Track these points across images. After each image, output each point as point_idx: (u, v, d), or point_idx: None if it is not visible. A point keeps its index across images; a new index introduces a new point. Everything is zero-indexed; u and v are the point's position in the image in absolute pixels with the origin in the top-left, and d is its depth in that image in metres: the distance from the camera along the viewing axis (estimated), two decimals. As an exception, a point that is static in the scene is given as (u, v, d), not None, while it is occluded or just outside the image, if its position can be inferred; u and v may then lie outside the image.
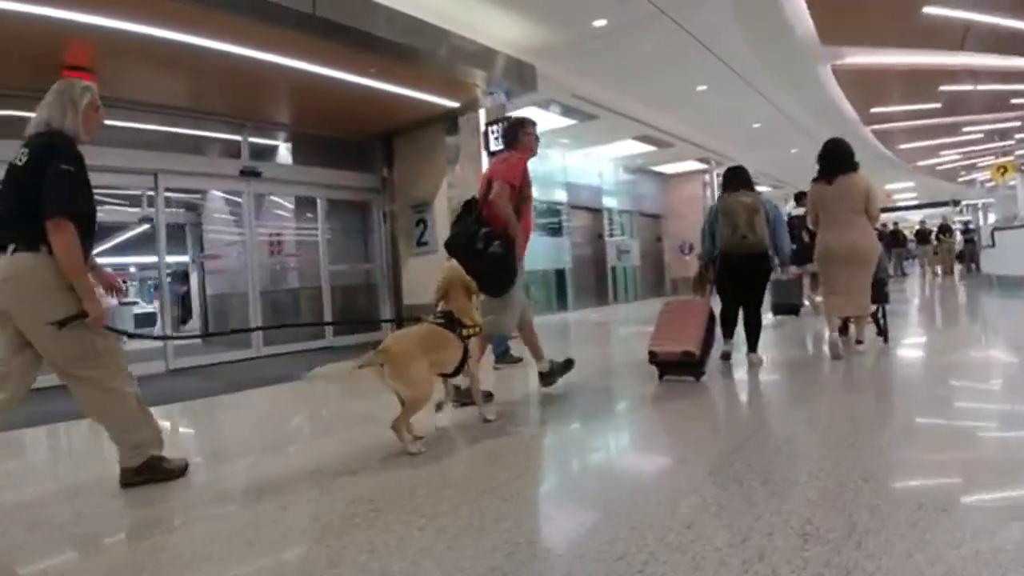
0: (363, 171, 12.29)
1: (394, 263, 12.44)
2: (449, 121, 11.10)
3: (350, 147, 12.16)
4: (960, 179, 30.79)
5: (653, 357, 5.47)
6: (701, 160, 19.89)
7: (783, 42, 10.95)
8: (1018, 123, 18.86)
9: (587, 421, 4.68)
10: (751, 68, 11.91)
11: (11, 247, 3.16)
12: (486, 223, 4.93)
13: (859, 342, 6.64)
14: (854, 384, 5.44)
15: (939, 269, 22.63)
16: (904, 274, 23.41)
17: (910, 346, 7.44)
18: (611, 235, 19.59)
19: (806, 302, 11.13)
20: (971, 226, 23.57)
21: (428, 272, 11.55)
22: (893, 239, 23.24)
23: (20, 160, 3.19)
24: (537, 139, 5.51)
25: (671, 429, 4.36)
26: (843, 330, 6.78)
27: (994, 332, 8.81)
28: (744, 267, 5.94)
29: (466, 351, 4.15)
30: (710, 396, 5.15)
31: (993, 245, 15.57)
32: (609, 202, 19.22)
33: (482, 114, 11.16)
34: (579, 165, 17.69)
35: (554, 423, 4.69)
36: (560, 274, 16.89)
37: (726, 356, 6.27)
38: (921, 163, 25.35)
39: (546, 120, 13.54)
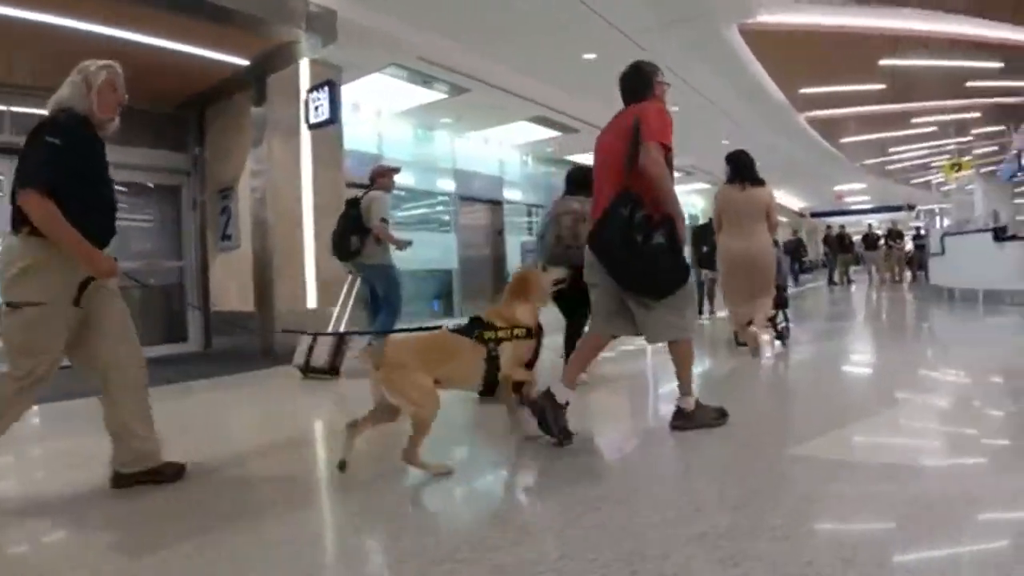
0: (170, 149, 9.88)
1: (204, 260, 9.99)
2: (258, 86, 8.74)
3: (155, 121, 9.72)
4: (913, 181, 29.03)
5: None
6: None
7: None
8: (977, 114, 16.69)
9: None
10: (643, 31, 9.61)
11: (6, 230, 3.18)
12: (638, 202, 3.64)
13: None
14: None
15: (887, 276, 21.54)
16: (850, 281, 22.42)
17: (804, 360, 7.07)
18: (529, 232, 17.16)
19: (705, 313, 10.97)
20: (922, 231, 22.31)
21: (234, 273, 9.31)
22: (839, 244, 22.45)
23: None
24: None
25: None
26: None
27: (899, 350, 7.95)
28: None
29: (494, 359, 3.48)
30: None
31: (943, 253, 13.71)
32: (512, 195, 16.87)
33: (303, 75, 8.89)
34: (472, 151, 15.32)
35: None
36: (445, 275, 14.60)
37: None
38: (869, 161, 23.41)
39: (402, 92, 11.36)
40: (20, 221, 3.02)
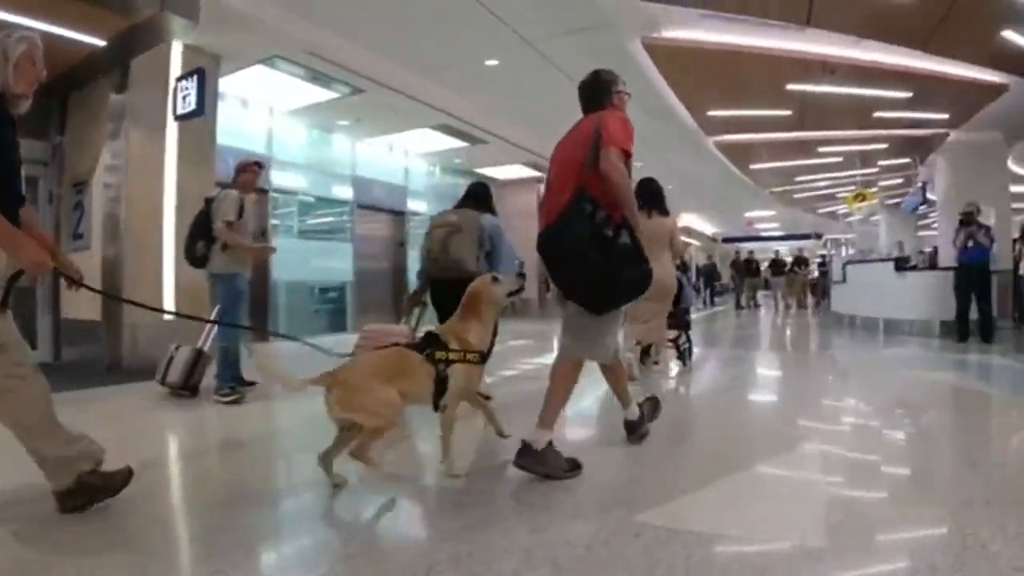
0: (29, 136, 8.77)
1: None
2: (121, 71, 7.97)
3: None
4: (820, 210, 29.49)
5: None
6: (532, 166, 17.07)
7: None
8: (883, 146, 16.75)
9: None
10: (545, 38, 9.14)
11: None
12: (596, 203, 3.46)
13: (656, 363, 7.48)
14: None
15: (791, 302, 22.02)
16: (757, 305, 23.09)
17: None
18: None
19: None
20: (826, 259, 22.78)
21: (86, 275, 8.39)
22: (746, 269, 22.80)
23: None
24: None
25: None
26: (644, 354, 7.31)
27: (793, 384, 7.72)
28: (442, 294, 5.21)
29: (443, 380, 3.40)
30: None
31: (844, 281, 13.70)
32: (417, 205, 16.13)
33: (174, 62, 8.12)
34: (375, 157, 14.58)
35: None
36: (338, 288, 13.69)
37: None
38: (777, 189, 23.56)
39: (294, 89, 10.62)
40: None
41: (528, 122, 13.19)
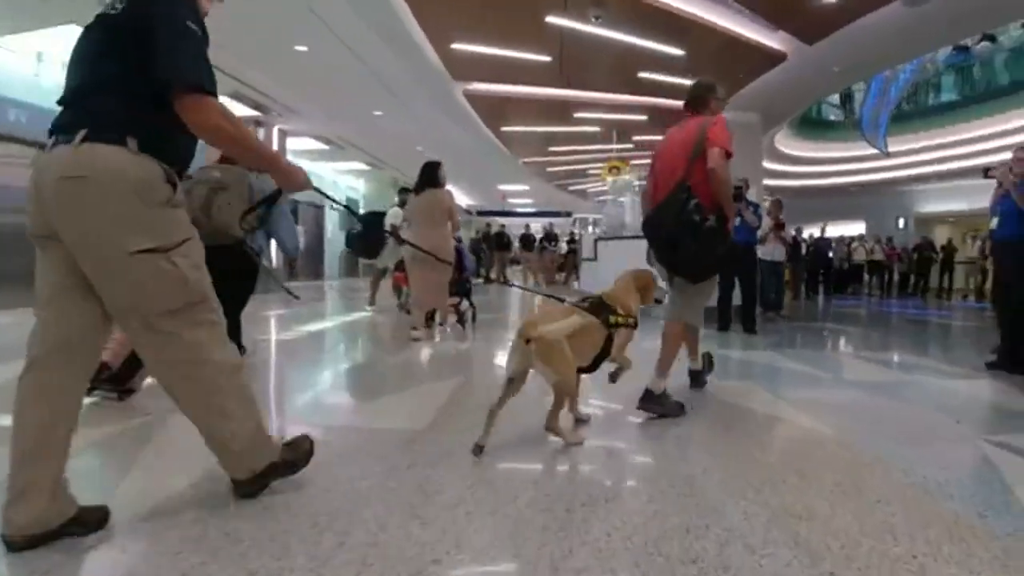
0: None
1: None
2: None
3: None
4: (572, 187, 28.98)
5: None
6: (244, 101, 14.01)
7: None
8: (643, 117, 15.65)
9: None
10: None
11: (80, 134, 1.96)
12: (692, 192, 3.94)
13: (441, 324, 8.50)
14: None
15: (541, 278, 21.90)
16: (506, 280, 22.15)
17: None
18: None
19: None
20: (575, 235, 22.35)
21: None
22: (497, 242, 22.37)
23: (114, 7, 2.08)
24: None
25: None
26: (429, 319, 8.06)
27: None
28: (211, 259, 3.67)
29: (609, 341, 3.68)
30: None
31: (595, 258, 12.69)
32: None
33: None
34: (14, 69, 10.67)
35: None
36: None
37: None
38: (530, 159, 22.46)
39: None
40: (120, 126, 1.99)
41: (230, 40, 10.17)
